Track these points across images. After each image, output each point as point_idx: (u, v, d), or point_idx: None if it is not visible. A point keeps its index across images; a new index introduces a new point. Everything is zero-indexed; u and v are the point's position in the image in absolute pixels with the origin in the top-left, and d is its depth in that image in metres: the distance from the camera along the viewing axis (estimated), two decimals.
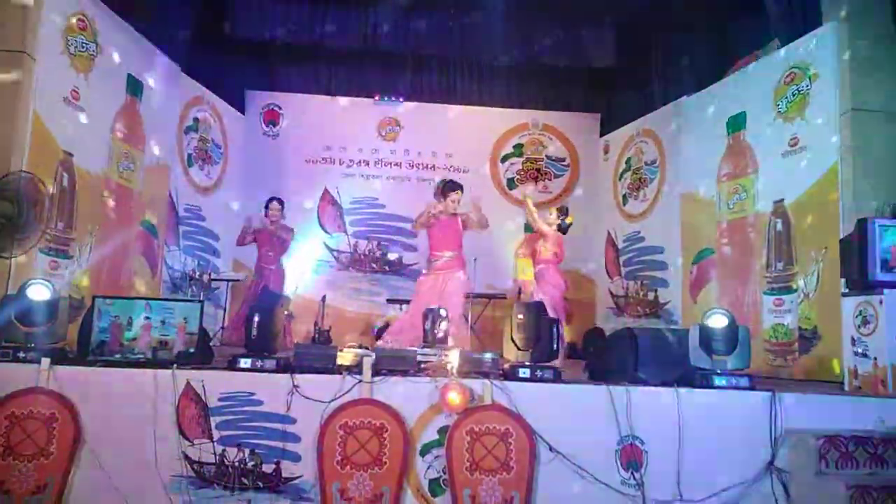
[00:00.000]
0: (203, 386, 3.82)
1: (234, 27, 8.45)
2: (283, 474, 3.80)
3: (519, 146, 9.96)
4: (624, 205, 9.09)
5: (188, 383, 3.82)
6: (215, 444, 3.79)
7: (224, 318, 8.09)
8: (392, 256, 9.53)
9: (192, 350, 4.10)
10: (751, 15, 7.01)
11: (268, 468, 3.80)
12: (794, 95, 6.13)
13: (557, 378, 4.07)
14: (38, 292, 4.01)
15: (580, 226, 7.20)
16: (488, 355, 4.17)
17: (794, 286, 5.99)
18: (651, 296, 8.34)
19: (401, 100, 9.75)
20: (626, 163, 9.10)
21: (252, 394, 3.84)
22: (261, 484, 3.78)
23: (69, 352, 4.12)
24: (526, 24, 8.63)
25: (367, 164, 9.72)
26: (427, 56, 9.52)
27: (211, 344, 5.08)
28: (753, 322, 6.19)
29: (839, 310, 4.65)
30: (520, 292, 8.58)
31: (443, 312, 4.84)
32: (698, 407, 3.91)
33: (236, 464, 3.79)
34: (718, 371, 4.06)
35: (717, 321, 4.12)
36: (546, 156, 9.98)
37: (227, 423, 3.82)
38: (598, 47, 8.82)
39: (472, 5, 8.50)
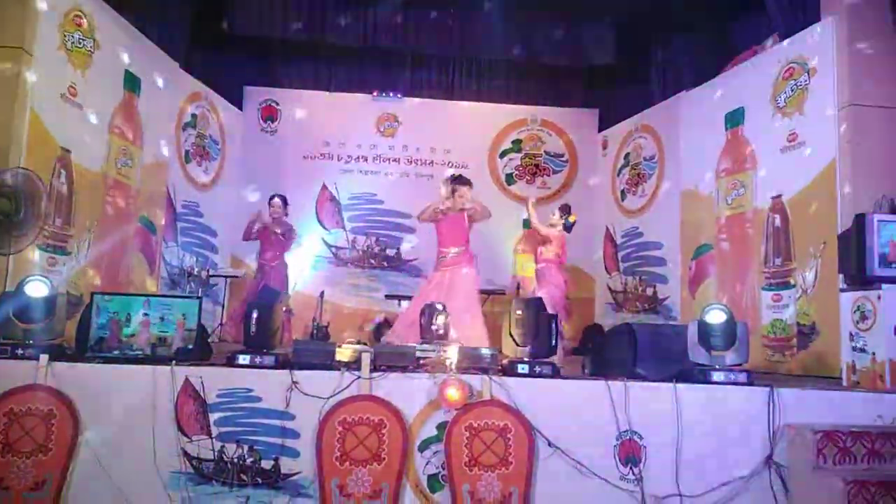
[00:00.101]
0: (202, 382, 3.82)
1: (233, 23, 8.44)
2: (282, 470, 3.79)
3: (517, 142, 9.96)
4: (622, 200, 9.09)
5: (187, 380, 3.82)
6: (214, 440, 3.79)
7: (222, 315, 8.09)
8: (390, 252, 9.53)
9: (190, 346, 4.09)
10: (749, 10, 7.02)
11: (266, 464, 3.79)
12: (792, 90, 6.12)
13: (556, 374, 4.07)
14: (37, 289, 4.00)
15: (578, 221, 7.18)
16: (487, 351, 4.18)
17: (793, 281, 6.00)
18: (650, 291, 8.35)
19: (399, 95, 9.74)
20: (624, 158, 9.11)
21: (251, 390, 3.84)
22: (259, 480, 3.78)
23: (67, 348, 4.12)
24: (524, 19, 8.62)
25: (366, 160, 9.71)
26: (426, 52, 9.50)
27: (209, 340, 5.08)
28: (752, 317, 6.20)
29: (837, 305, 4.66)
30: (518, 288, 8.60)
31: (439, 307, 4.81)
32: (697, 402, 3.91)
33: (235, 460, 3.79)
34: (717, 366, 4.05)
35: (716, 317, 4.12)
36: (544, 151, 9.98)
37: (226, 419, 3.82)
38: (597, 43, 8.82)
39: (472, 1, 8.49)
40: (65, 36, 5.69)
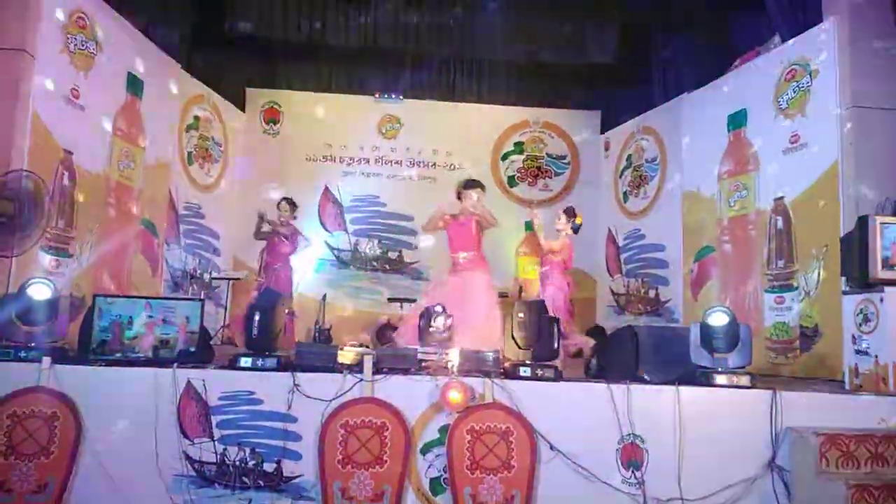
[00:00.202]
0: (204, 385, 3.82)
1: (235, 25, 8.44)
2: (284, 473, 3.79)
3: (519, 144, 9.96)
4: (625, 202, 9.08)
5: (189, 382, 3.82)
6: (216, 443, 3.79)
7: (225, 317, 8.09)
8: (392, 254, 9.52)
9: (192, 349, 4.10)
10: (752, 11, 7.00)
11: (269, 467, 3.79)
12: (794, 92, 6.11)
13: (558, 377, 4.07)
14: (39, 291, 4.00)
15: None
16: (489, 354, 4.17)
17: (795, 284, 5.99)
18: (652, 293, 8.34)
19: (401, 97, 9.73)
20: (626, 160, 9.10)
21: (253, 393, 3.84)
22: (262, 483, 3.78)
23: (70, 351, 4.12)
24: (527, 20, 8.62)
25: (368, 162, 9.71)
26: (428, 53, 9.50)
27: (212, 343, 5.08)
28: (754, 320, 6.18)
29: (840, 308, 4.65)
30: (521, 291, 8.59)
31: (438, 308, 4.77)
32: (699, 405, 3.90)
33: (237, 463, 3.79)
34: (719, 369, 4.05)
35: (718, 319, 4.11)
36: (547, 153, 9.98)
37: (228, 422, 3.82)
38: (599, 44, 8.79)
39: (474, 3, 8.49)
40: (67, 38, 5.70)
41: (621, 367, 4.26)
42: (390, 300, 8.80)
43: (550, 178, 9.94)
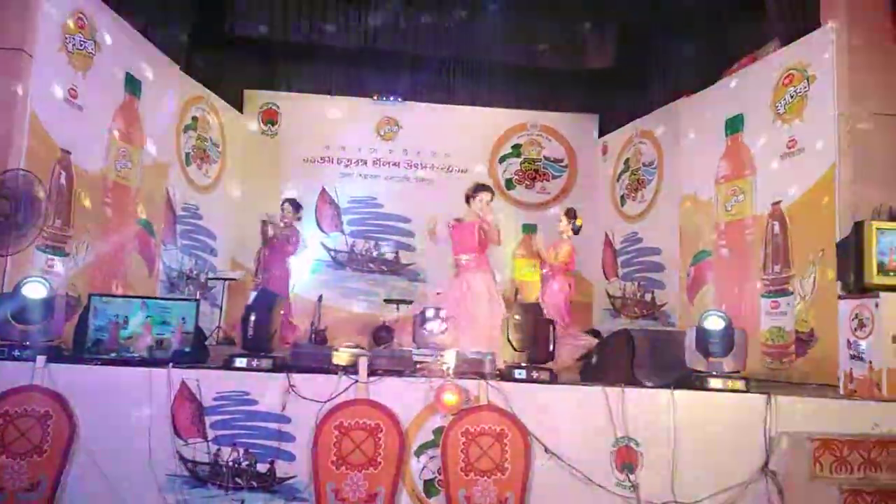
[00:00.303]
0: (198, 385, 3.82)
1: (233, 26, 8.44)
2: (278, 474, 3.79)
3: (517, 147, 9.95)
4: (622, 206, 9.09)
5: (183, 382, 3.82)
6: (210, 443, 3.79)
7: (220, 318, 8.08)
8: (389, 256, 9.52)
9: (187, 349, 4.10)
10: (749, 16, 7.01)
11: (262, 468, 3.79)
12: (792, 97, 6.12)
13: (553, 379, 4.07)
14: (35, 290, 4.00)
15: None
16: (484, 356, 4.17)
17: (791, 289, 5.99)
18: (648, 297, 8.34)
19: (399, 99, 9.74)
20: (624, 164, 9.10)
21: (247, 393, 3.84)
22: (255, 483, 3.78)
23: (65, 350, 4.12)
24: (525, 23, 8.63)
25: (366, 164, 9.71)
26: (426, 56, 9.50)
27: (207, 343, 5.07)
28: (750, 324, 6.16)
29: (836, 313, 4.64)
30: (517, 293, 8.60)
31: (429, 313, 4.78)
32: (694, 409, 3.91)
33: (231, 463, 3.79)
34: (714, 373, 4.05)
35: (714, 323, 4.12)
36: (544, 156, 9.97)
37: (222, 422, 3.81)
38: (597, 48, 8.82)
39: (471, 5, 8.50)
40: (66, 38, 5.69)
41: (617, 371, 4.27)
42: (387, 301, 8.81)
43: (548, 181, 9.94)
